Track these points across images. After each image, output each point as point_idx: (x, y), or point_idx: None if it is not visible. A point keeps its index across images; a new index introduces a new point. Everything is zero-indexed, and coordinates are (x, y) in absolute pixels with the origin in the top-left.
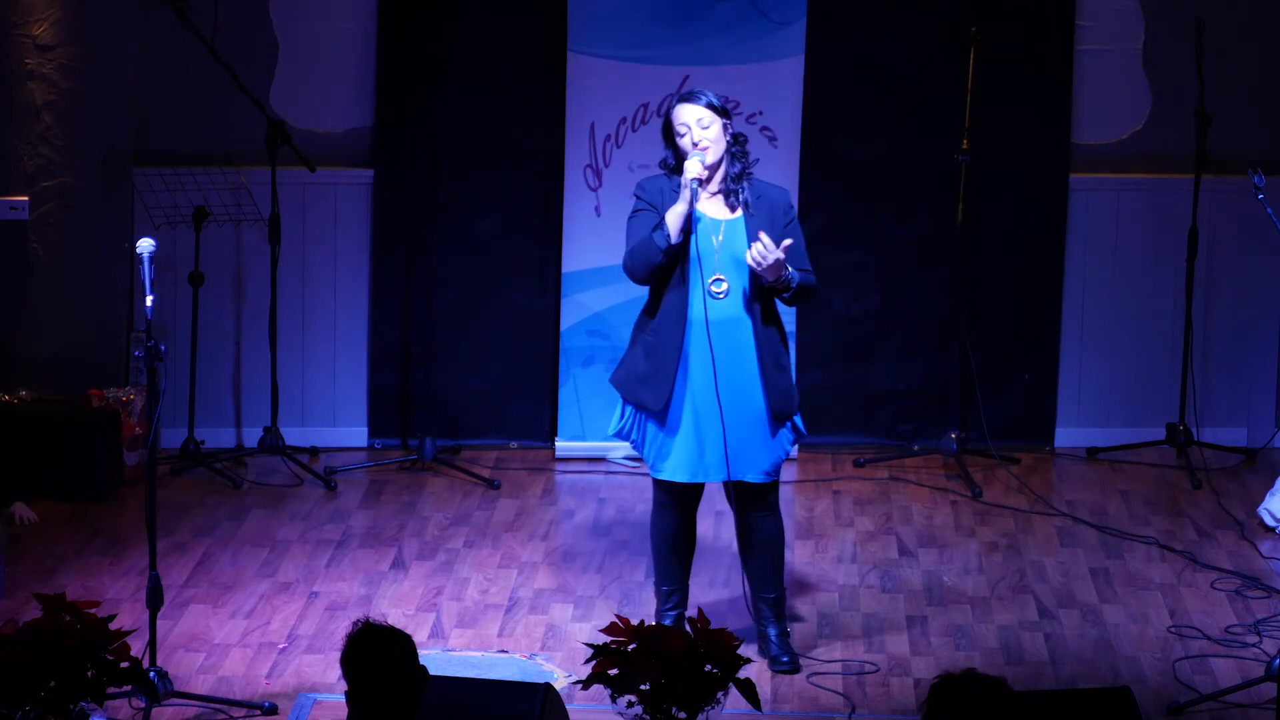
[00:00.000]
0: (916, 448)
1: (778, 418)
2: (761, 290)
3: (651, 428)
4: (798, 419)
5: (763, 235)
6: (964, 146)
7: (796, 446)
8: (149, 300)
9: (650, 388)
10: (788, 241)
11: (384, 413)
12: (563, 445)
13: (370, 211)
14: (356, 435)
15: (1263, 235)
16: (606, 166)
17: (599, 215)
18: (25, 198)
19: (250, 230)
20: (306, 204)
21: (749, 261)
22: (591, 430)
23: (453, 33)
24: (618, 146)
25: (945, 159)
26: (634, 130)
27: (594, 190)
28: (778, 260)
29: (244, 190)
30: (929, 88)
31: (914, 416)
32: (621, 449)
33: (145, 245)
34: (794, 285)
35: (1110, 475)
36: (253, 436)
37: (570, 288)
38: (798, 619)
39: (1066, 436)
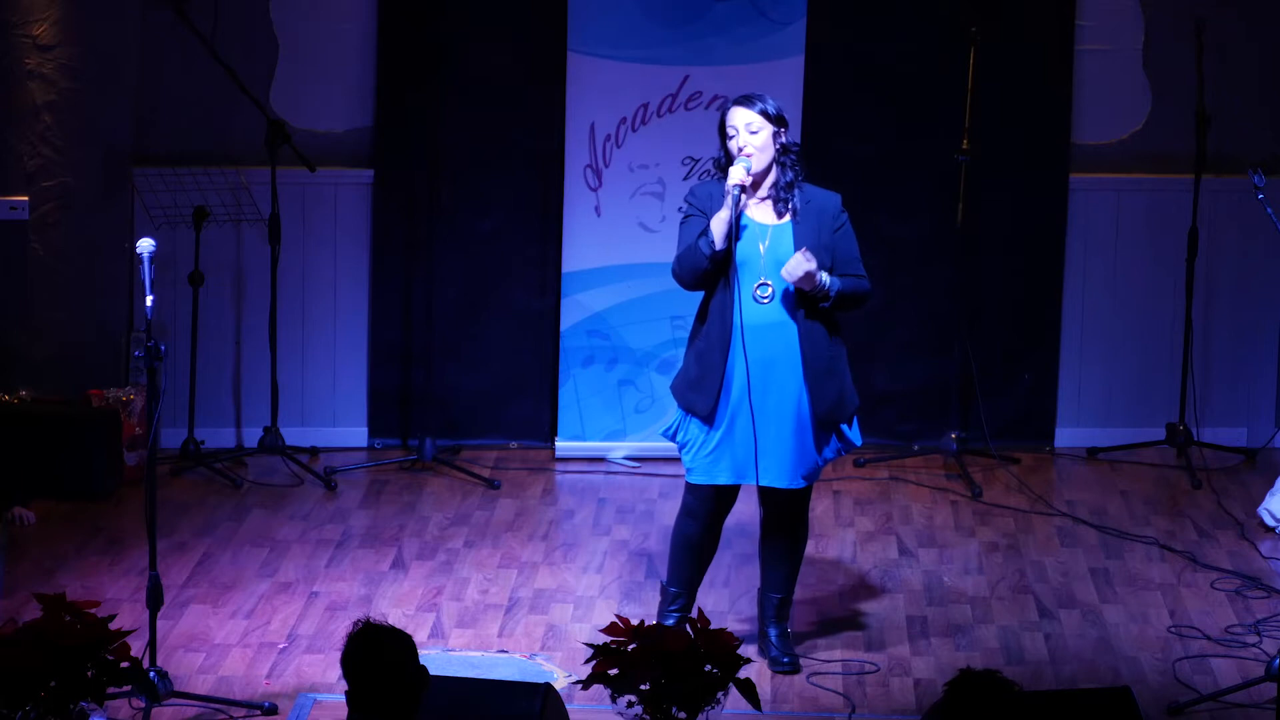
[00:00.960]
0: (916, 448)
1: (822, 424)
2: (806, 295)
3: (696, 430)
4: (846, 429)
5: (800, 253)
6: (964, 146)
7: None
8: (149, 300)
9: (700, 392)
10: (813, 262)
11: (384, 413)
12: (563, 445)
13: (370, 211)
14: (356, 435)
15: (1263, 235)
16: (606, 166)
17: (599, 215)
18: (25, 198)
19: (250, 230)
20: (306, 204)
21: (784, 274)
22: (591, 430)
23: (453, 33)
24: (618, 146)
25: (945, 159)
26: (634, 130)
27: (594, 190)
28: (807, 272)
29: (244, 190)
30: (929, 88)
31: (914, 416)
32: (621, 449)
33: (145, 245)
34: (833, 293)
35: (1110, 475)
36: (253, 436)
37: (570, 288)
38: (798, 619)
39: (1066, 436)
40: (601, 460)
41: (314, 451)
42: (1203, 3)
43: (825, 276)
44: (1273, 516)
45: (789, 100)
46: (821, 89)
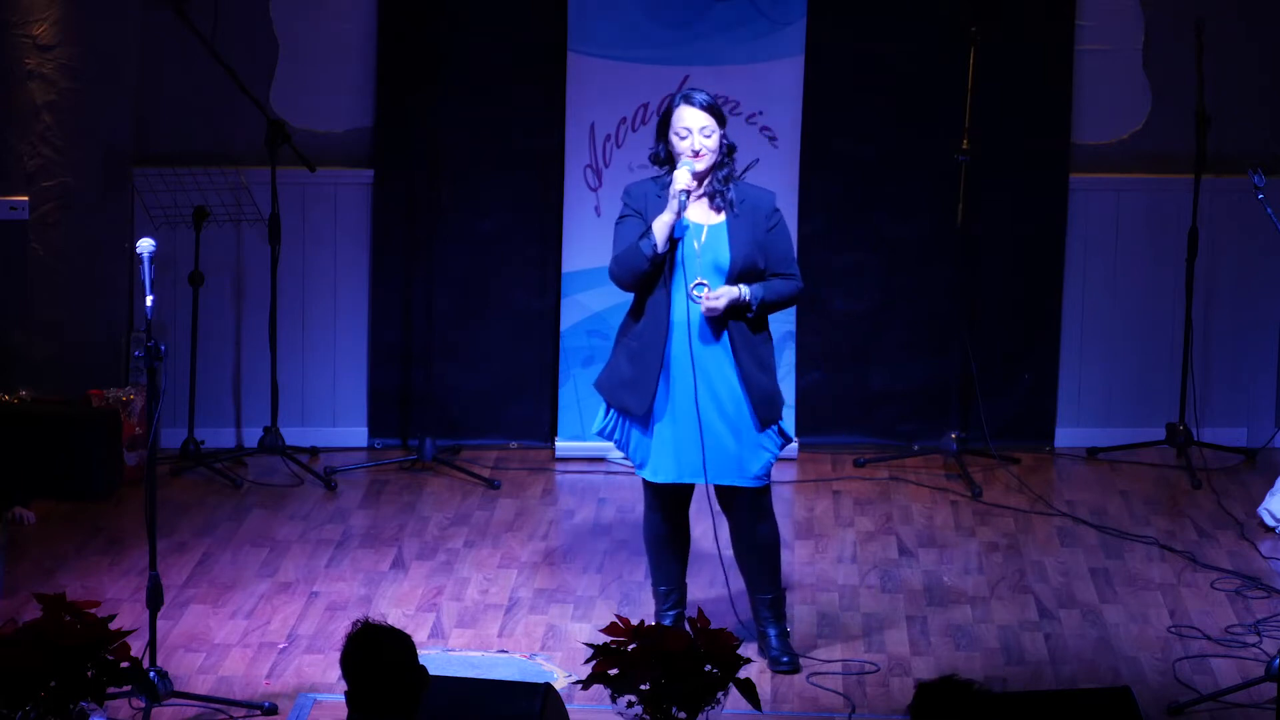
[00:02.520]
0: (916, 448)
1: (762, 421)
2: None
3: (636, 431)
4: (781, 422)
5: (704, 294)
6: (964, 146)
7: (796, 446)
8: (149, 300)
9: (634, 392)
10: (720, 294)
11: (384, 413)
12: (563, 445)
13: (370, 211)
14: (356, 435)
15: (1263, 235)
16: (606, 166)
17: (599, 215)
18: (25, 198)
19: (250, 230)
20: (306, 204)
21: (703, 310)
22: (591, 430)
23: (453, 33)
24: (618, 146)
25: (945, 159)
26: (634, 130)
27: (594, 190)
28: (727, 301)
29: (244, 190)
30: (929, 88)
31: (914, 416)
32: None
33: (145, 245)
34: (754, 304)
35: (1110, 475)
36: (253, 436)
37: (570, 288)
38: (798, 619)
39: (1066, 436)
40: (601, 460)
41: (314, 451)
42: (1203, 3)
43: (744, 291)
44: (1273, 516)
45: (789, 100)
46: (821, 89)
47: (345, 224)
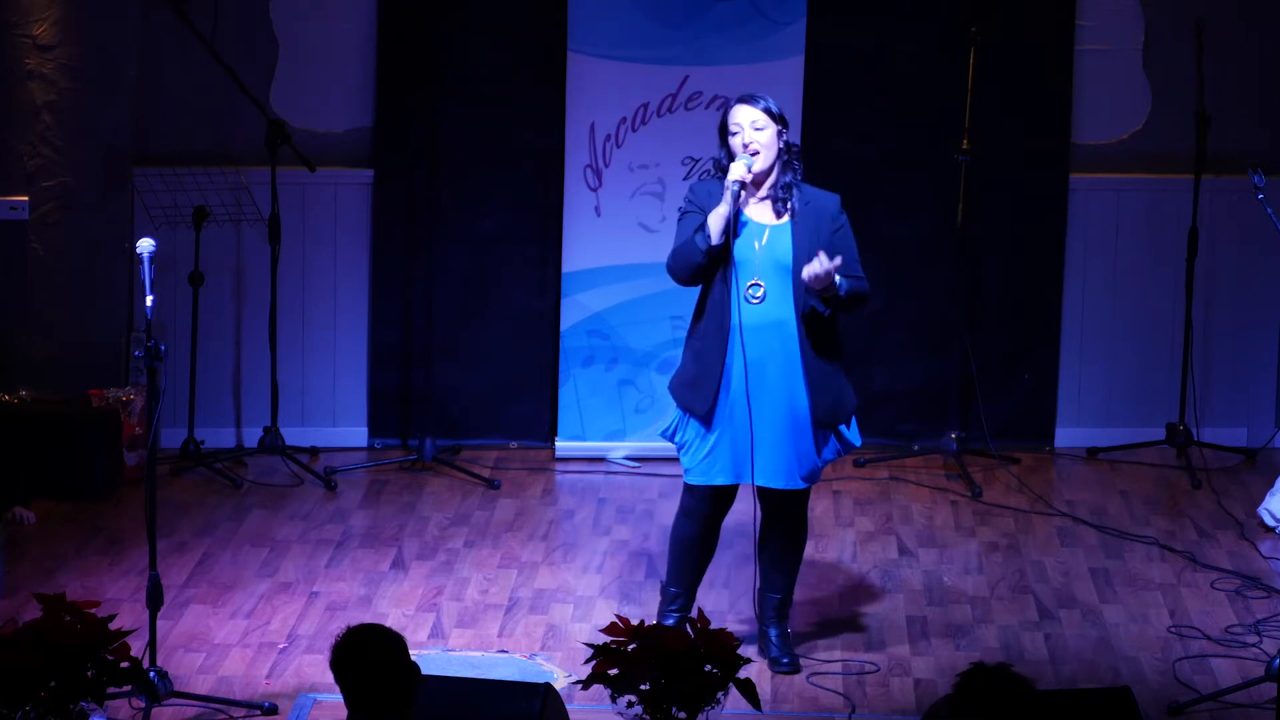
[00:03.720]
0: (916, 448)
1: (821, 424)
2: (813, 295)
3: (694, 431)
4: (845, 429)
5: (821, 255)
6: (964, 146)
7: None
8: (149, 300)
9: (698, 392)
10: (838, 260)
11: (384, 412)
12: (563, 445)
13: (370, 211)
14: (356, 435)
15: (1263, 235)
16: (606, 166)
17: (599, 215)
18: (25, 198)
19: (250, 230)
20: (306, 204)
21: (804, 277)
22: (591, 430)
23: (453, 33)
24: (618, 146)
25: (945, 159)
26: (634, 130)
27: (594, 190)
28: (828, 271)
29: (244, 190)
30: (929, 88)
31: (914, 416)
32: (621, 449)
33: (145, 245)
34: (842, 294)
35: (1110, 475)
36: (253, 436)
37: (570, 288)
38: (797, 619)
39: (1066, 436)
40: (601, 460)
41: (314, 451)
42: (1203, 3)
43: (838, 278)
44: (1273, 516)
45: (789, 100)
46: (821, 89)
47: (345, 224)
